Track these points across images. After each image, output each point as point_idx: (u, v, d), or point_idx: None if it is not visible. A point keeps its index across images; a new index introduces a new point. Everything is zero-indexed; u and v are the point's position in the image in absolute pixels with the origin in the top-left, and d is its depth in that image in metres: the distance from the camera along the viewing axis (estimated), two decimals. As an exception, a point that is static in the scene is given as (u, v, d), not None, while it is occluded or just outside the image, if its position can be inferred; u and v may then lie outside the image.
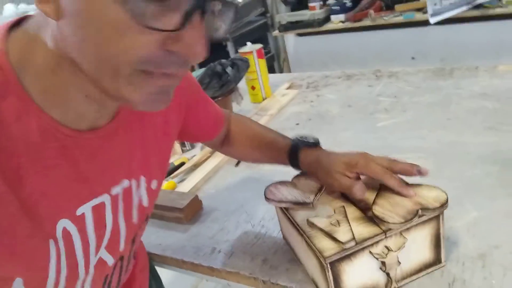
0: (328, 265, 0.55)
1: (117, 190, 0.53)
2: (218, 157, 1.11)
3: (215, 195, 0.97)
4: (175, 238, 0.86)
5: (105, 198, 0.51)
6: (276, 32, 2.43)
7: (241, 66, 1.13)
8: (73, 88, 0.43)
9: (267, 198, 0.69)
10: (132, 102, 0.42)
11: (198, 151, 1.18)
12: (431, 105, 1.14)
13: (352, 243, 0.55)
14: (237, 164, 1.08)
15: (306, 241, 0.60)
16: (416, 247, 0.60)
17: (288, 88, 1.50)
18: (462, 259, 0.64)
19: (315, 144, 0.73)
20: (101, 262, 0.54)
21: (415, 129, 1.04)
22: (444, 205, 0.58)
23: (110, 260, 0.56)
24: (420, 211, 0.57)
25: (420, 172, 0.62)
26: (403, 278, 0.61)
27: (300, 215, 0.64)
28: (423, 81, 1.30)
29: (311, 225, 0.60)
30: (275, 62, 2.62)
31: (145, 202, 0.59)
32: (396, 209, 0.58)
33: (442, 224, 0.60)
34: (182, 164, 1.12)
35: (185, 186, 1.01)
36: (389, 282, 0.60)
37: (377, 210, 0.59)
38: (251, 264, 0.73)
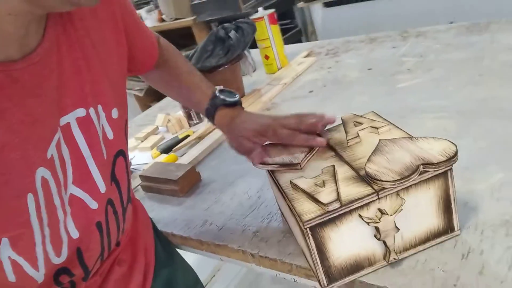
0: (308, 231, 0.47)
1: (66, 119, 0.49)
2: (224, 128, 1.04)
3: (216, 167, 0.91)
4: (169, 212, 0.80)
5: (59, 131, 0.48)
6: (301, 3, 2.30)
7: (246, 30, 1.05)
8: None
9: (253, 162, 0.61)
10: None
11: (205, 124, 1.12)
12: (461, 62, 1.00)
13: (336, 205, 0.46)
14: (243, 134, 1.01)
15: (288, 205, 0.52)
16: (419, 211, 0.50)
17: (306, 56, 1.39)
18: (481, 227, 0.53)
19: (235, 103, 0.70)
20: (76, 200, 0.50)
21: (439, 88, 0.91)
22: (451, 159, 0.47)
23: (91, 203, 0.52)
24: (421, 166, 0.47)
25: (324, 125, 0.61)
26: (406, 248, 0.52)
27: (285, 177, 0.55)
28: (455, 37, 1.15)
29: (294, 186, 0.52)
30: (303, 37, 2.50)
31: (110, 134, 0.55)
32: (393, 165, 0.48)
33: (452, 183, 0.50)
34: (187, 137, 1.06)
35: (186, 159, 0.95)
36: (388, 253, 0.50)
37: (370, 167, 0.49)
38: (241, 237, 0.66)
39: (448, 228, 0.52)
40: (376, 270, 0.52)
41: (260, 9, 1.31)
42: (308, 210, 0.48)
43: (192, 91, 0.74)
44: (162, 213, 0.80)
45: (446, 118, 0.79)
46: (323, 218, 0.47)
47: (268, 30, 1.28)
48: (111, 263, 0.62)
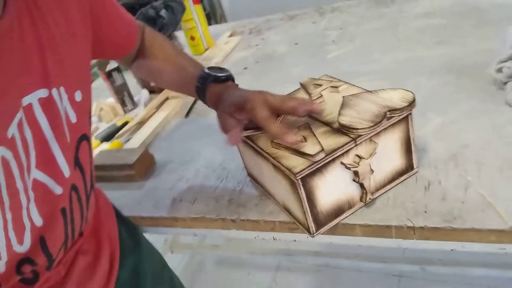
0: (300, 182, 0.50)
1: (29, 99, 0.47)
2: (165, 111, 1.02)
3: (168, 148, 0.90)
4: (130, 197, 0.78)
5: (21, 110, 0.46)
6: (209, -13, 2.30)
7: (176, 8, 1.03)
8: None
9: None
10: None
11: (142, 109, 1.09)
12: (378, 30, 1.11)
13: (322, 155, 0.50)
14: (187, 115, 1.00)
15: (273, 164, 0.55)
16: (387, 153, 0.56)
17: (230, 36, 1.42)
18: (433, 163, 0.61)
19: (226, 78, 0.65)
20: (40, 185, 0.48)
21: (366, 54, 1.01)
22: (412, 103, 0.54)
23: (56, 188, 0.51)
24: (388, 113, 0.53)
25: (311, 111, 0.55)
26: (377, 189, 0.58)
27: (263, 140, 0.58)
28: (367, 10, 1.26)
29: (276, 145, 0.55)
30: (212, 21, 2.51)
31: (73, 117, 0.53)
32: (363, 115, 0.54)
33: (411, 126, 0.57)
34: (126, 123, 1.02)
35: (133, 143, 0.92)
36: (364, 194, 0.56)
37: (343, 119, 0.54)
38: (217, 207, 0.67)
39: (408, 167, 0.60)
40: (354, 212, 0.57)
41: (181, -11, 1.30)
42: (296, 163, 0.51)
43: (183, 73, 0.71)
44: (124, 199, 0.77)
45: (380, 79, 0.87)
46: (312, 168, 0.50)
47: (192, 11, 1.27)
48: (74, 253, 0.60)
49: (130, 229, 0.74)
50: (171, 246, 1.62)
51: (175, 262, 1.70)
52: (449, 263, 1.22)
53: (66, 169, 0.52)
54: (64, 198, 0.52)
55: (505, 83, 0.69)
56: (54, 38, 0.50)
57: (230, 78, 0.66)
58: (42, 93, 0.48)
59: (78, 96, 0.54)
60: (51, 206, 0.51)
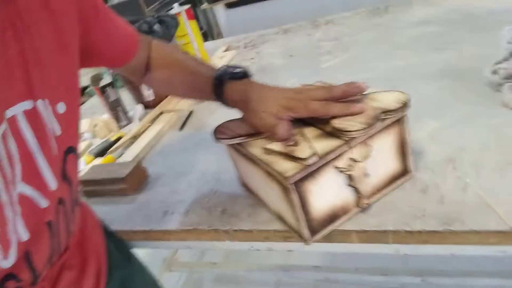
0: (293, 186, 0.49)
1: (13, 111, 0.45)
2: (159, 124, 1.01)
3: (162, 161, 0.88)
4: (121, 211, 0.76)
5: (4, 123, 0.45)
6: (205, 5, 2.33)
7: (170, 23, 1.04)
8: None
9: (217, 138, 0.61)
10: None
11: (137, 124, 1.08)
12: (373, 40, 1.11)
13: (315, 158, 0.49)
14: (181, 128, 0.99)
15: (265, 170, 0.53)
16: (382, 157, 0.55)
17: (225, 50, 1.42)
18: (430, 166, 0.60)
19: (244, 75, 0.63)
20: (25, 199, 0.47)
21: (361, 63, 1.00)
22: (406, 104, 0.53)
23: (41, 201, 0.49)
24: (382, 114, 0.52)
25: (360, 88, 0.56)
26: (373, 193, 0.56)
27: (255, 147, 0.56)
28: (361, 21, 1.26)
29: (268, 151, 0.53)
30: (209, 39, 2.52)
31: (57, 130, 0.51)
32: (356, 118, 0.52)
33: (406, 128, 0.55)
34: (119, 138, 1.01)
35: (126, 158, 0.90)
36: (359, 199, 0.54)
37: (337, 122, 0.53)
38: (210, 218, 0.65)
39: (405, 171, 0.58)
40: (350, 218, 0.55)
41: (175, 5, 1.30)
42: (287, 168, 0.49)
43: (196, 75, 0.68)
44: (115, 213, 0.75)
45: (374, 86, 0.86)
46: (304, 172, 0.49)
47: (186, 26, 1.27)
48: (59, 268, 0.59)
49: (119, 245, 0.72)
50: (169, 264, 1.58)
51: (173, 280, 1.66)
52: (450, 274, 1.19)
53: (52, 182, 0.51)
54: (50, 211, 0.51)
55: (501, 84, 0.68)
56: (38, 51, 0.49)
57: (246, 74, 0.64)
58: (27, 105, 0.47)
59: (61, 108, 0.53)
60: (37, 219, 0.49)
